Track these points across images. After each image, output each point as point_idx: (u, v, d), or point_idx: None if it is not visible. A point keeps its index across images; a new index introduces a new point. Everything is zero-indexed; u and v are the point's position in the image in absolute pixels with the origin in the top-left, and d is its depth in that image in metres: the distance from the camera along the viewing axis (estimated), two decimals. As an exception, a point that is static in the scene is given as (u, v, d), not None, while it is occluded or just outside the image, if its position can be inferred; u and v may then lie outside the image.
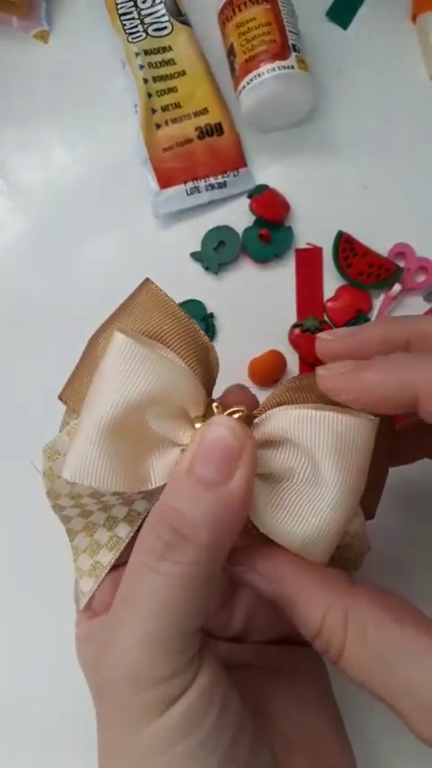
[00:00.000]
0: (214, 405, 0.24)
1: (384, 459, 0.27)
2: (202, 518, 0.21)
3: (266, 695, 0.25)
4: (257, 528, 0.24)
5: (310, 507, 0.23)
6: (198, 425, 0.23)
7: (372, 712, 0.33)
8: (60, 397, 0.27)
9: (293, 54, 0.39)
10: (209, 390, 0.25)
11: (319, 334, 0.26)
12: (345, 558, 0.26)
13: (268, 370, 0.38)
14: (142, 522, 0.26)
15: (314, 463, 0.23)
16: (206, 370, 0.25)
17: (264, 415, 0.24)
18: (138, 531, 0.26)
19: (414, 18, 0.43)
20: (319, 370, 0.23)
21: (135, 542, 0.22)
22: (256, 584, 0.23)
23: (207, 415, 0.24)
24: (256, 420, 0.24)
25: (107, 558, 0.27)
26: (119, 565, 0.27)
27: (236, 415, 0.23)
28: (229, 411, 0.24)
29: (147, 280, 0.26)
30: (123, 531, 0.27)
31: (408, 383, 0.21)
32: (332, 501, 0.23)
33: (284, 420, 0.23)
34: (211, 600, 0.22)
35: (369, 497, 0.25)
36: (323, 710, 0.26)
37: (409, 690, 0.20)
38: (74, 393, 0.26)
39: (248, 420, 0.24)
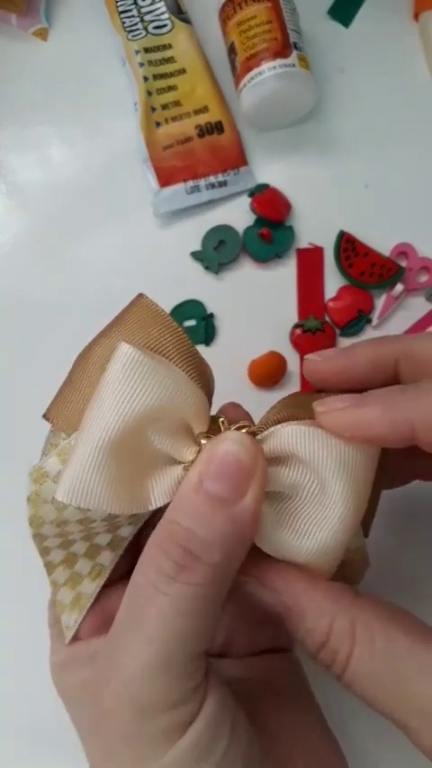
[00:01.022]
0: (221, 420, 0.23)
1: (381, 478, 0.26)
2: (214, 537, 0.20)
3: (260, 709, 0.24)
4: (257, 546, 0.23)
5: (316, 523, 0.23)
6: (204, 441, 0.23)
7: (359, 715, 0.33)
8: (45, 416, 0.25)
9: (294, 52, 0.38)
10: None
11: (308, 356, 0.26)
12: (346, 575, 0.25)
13: (268, 372, 0.38)
14: (125, 548, 0.26)
15: (321, 479, 0.22)
16: (206, 386, 0.24)
17: (266, 432, 0.23)
18: (121, 555, 0.26)
19: (416, 16, 0.43)
20: (318, 407, 0.23)
21: (138, 562, 0.21)
22: (261, 594, 0.23)
23: (212, 431, 0.23)
24: (258, 437, 0.23)
25: (91, 587, 0.26)
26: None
27: (243, 431, 0.23)
28: (236, 426, 0.23)
29: (141, 294, 0.25)
30: (107, 559, 0.26)
31: (403, 419, 0.21)
32: (339, 516, 0.22)
33: (290, 436, 0.23)
34: (218, 620, 0.21)
35: (365, 517, 0.25)
36: (310, 714, 0.26)
37: (416, 704, 0.20)
38: (62, 411, 0.25)
39: (252, 436, 0.23)
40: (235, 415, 0.26)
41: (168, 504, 0.22)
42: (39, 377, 0.38)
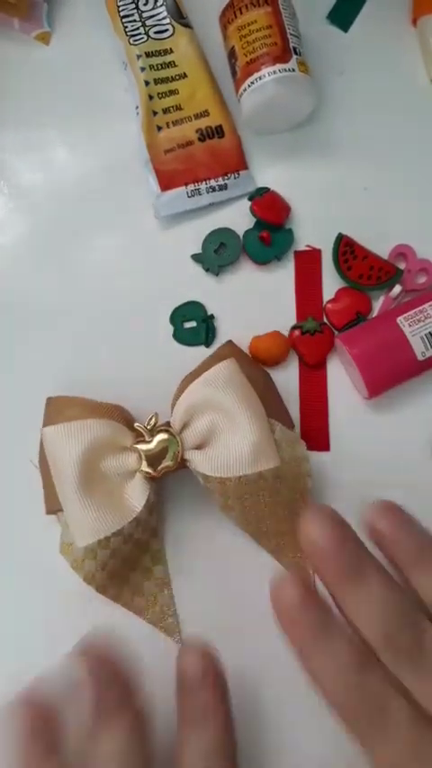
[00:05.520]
0: (135, 425, 0.33)
1: (266, 388, 0.35)
2: None
3: None
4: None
5: (239, 439, 0.32)
6: (138, 446, 0.33)
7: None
8: (48, 512, 0.34)
9: (294, 57, 0.39)
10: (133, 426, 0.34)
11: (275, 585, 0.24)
12: (297, 487, 0.34)
13: (270, 351, 0.38)
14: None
15: (224, 409, 0.32)
16: (125, 418, 0.34)
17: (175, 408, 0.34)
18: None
19: (414, 21, 0.44)
20: (273, 589, 0.24)
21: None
22: None
23: (138, 436, 0.33)
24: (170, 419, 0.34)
25: (167, 597, 0.35)
26: None
27: (163, 428, 0.33)
28: (159, 430, 0.33)
29: (48, 398, 0.36)
30: (161, 572, 0.36)
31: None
32: (248, 423, 0.32)
33: (187, 400, 0.33)
34: None
35: (277, 414, 0.34)
36: None
37: None
38: (52, 500, 0.33)
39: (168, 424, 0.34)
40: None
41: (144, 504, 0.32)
42: (40, 377, 0.39)
